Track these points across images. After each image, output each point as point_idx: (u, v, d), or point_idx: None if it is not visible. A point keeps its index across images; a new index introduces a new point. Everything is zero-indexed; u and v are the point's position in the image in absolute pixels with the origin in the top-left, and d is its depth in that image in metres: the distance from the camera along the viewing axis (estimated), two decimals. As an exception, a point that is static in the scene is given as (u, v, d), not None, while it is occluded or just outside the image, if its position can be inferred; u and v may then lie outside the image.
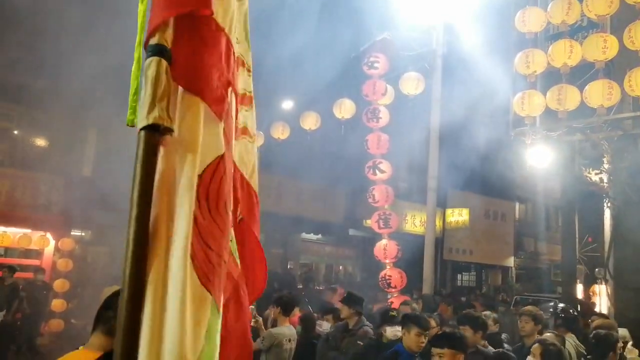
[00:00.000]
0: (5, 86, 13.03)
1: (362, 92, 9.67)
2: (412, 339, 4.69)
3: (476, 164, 13.64)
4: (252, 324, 6.80)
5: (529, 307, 6.74)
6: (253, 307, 7.41)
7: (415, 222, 18.50)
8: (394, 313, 6.02)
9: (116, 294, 2.24)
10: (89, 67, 12.47)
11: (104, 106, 14.26)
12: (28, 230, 12.25)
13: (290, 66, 12.84)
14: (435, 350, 4.09)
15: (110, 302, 2.18)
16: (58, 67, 12.05)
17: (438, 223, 19.77)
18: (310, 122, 11.15)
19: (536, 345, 5.07)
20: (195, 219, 1.38)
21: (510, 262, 23.08)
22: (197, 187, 1.40)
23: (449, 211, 20.12)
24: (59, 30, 10.54)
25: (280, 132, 11.97)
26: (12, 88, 13.22)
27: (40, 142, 14.70)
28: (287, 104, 14.73)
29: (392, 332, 5.79)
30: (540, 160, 10.02)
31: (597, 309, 10.95)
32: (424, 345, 4.69)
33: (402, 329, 4.90)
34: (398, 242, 9.95)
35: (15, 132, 14.03)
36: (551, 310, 7.51)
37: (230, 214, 1.57)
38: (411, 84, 9.48)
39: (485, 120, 11.39)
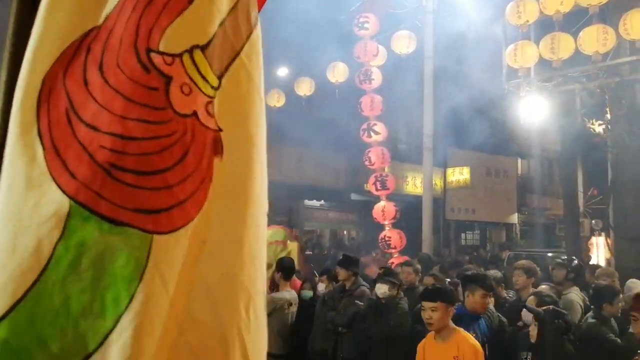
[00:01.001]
0: None
1: (354, 54, 9.57)
2: (477, 301, 4.58)
3: (474, 121, 13.57)
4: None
5: (521, 261, 6.81)
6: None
7: (416, 183, 18.47)
8: (382, 270, 6.08)
9: None
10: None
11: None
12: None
13: (281, 32, 12.71)
14: (426, 305, 4.12)
15: None
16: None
17: (439, 183, 19.77)
18: (305, 88, 11.08)
19: (531, 297, 5.13)
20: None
21: (514, 218, 23.13)
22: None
23: (449, 171, 20.07)
24: None
25: (276, 100, 11.91)
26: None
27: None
28: (281, 71, 14.62)
29: (383, 290, 5.83)
30: (537, 113, 9.93)
31: (593, 262, 11.01)
32: (487, 306, 4.58)
33: (465, 290, 4.80)
34: (398, 203, 9.97)
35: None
36: (554, 263, 7.53)
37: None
38: (403, 43, 9.37)
39: (479, 76, 11.27)
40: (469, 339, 3.85)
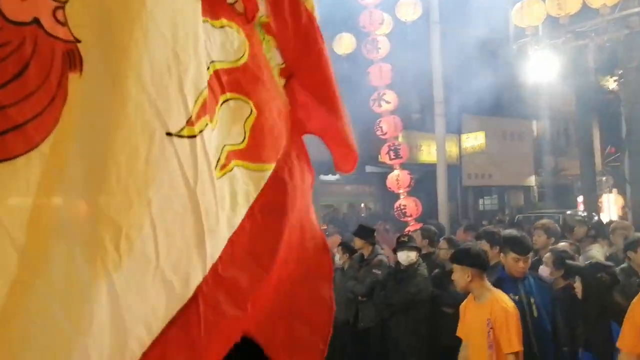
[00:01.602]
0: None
1: (359, 24, 9.49)
2: (511, 265, 4.46)
3: (485, 85, 13.40)
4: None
5: (542, 221, 6.79)
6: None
7: (430, 152, 18.34)
8: (405, 238, 6.11)
9: None
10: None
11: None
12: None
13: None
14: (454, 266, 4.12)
15: None
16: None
17: (454, 150, 19.64)
18: (312, 61, 11.03)
19: (548, 254, 5.13)
20: None
21: (532, 181, 22.95)
22: None
23: (464, 137, 19.92)
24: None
25: (284, 76, 11.89)
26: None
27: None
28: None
29: (404, 256, 5.89)
30: (549, 73, 9.80)
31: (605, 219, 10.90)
32: (524, 270, 4.44)
33: (502, 253, 4.72)
34: (413, 172, 9.95)
35: None
36: (574, 221, 7.50)
37: None
38: (408, 10, 9.26)
39: (488, 38, 11.11)
40: (501, 302, 3.76)
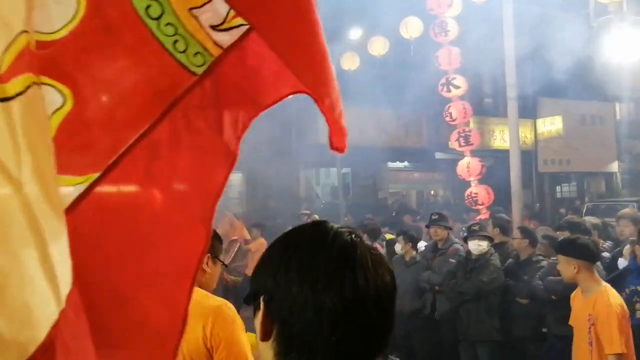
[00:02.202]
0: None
1: (426, 6, 9.24)
2: None
3: (562, 67, 12.77)
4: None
5: (627, 210, 6.41)
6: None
7: (504, 138, 17.75)
8: (476, 227, 5.94)
9: None
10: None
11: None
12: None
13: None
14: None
15: None
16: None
17: (529, 135, 18.94)
18: (379, 47, 10.87)
19: (627, 246, 4.82)
20: None
21: (614, 167, 21.79)
22: None
23: (539, 121, 19.15)
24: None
25: (351, 63, 11.79)
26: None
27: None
28: (353, 33, 14.42)
29: (475, 246, 5.74)
30: (633, 52, 9.21)
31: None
32: None
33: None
34: (486, 159, 9.64)
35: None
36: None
37: None
38: (479, -11, 8.95)
39: (565, 15, 10.56)
40: (608, 298, 3.46)
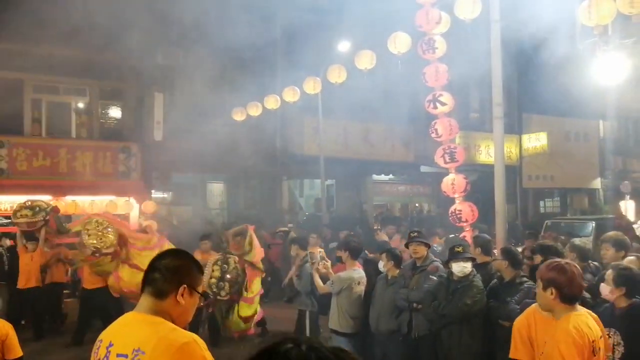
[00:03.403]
0: (77, 63, 13.58)
1: (415, 23, 9.23)
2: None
3: (548, 85, 12.88)
4: (320, 267, 6.90)
5: (610, 233, 6.34)
6: (321, 250, 7.52)
7: (489, 152, 17.87)
8: (460, 249, 5.89)
9: (161, 255, 2.26)
10: (151, 37, 12.77)
11: (168, 70, 14.62)
12: (113, 197, 12.88)
13: (339, 6, 12.50)
14: None
15: (156, 264, 2.20)
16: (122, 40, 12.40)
17: (514, 150, 19.07)
18: (366, 61, 10.81)
19: (609, 270, 4.80)
20: None
21: (597, 183, 22.02)
22: None
23: (525, 137, 19.31)
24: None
25: (337, 76, 11.74)
26: (83, 64, 13.76)
27: (114, 112, 15.30)
28: (342, 46, 14.44)
29: (459, 268, 5.69)
30: (617, 72, 9.28)
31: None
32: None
33: None
34: (471, 174, 9.65)
35: (91, 105, 14.65)
36: None
37: None
38: (467, 8, 8.90)
39: (551, 37, 10.63)
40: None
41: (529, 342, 3.46)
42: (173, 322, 2.12)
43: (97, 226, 8.26)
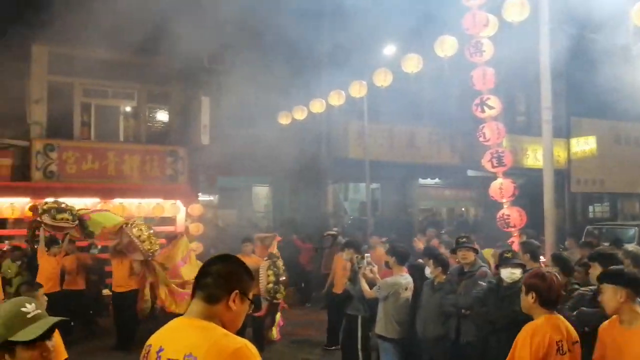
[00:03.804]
0: (126, 66, 13.96)
1: (462, 26, 9.15)
2: None
3: (598, 88, 12.54)
4: (368, 273, 6.90)
5: (629, 246, 6.16)
6: (368, 255, 7.52)
7: (537, 156, 17.51)
8: (509, 254, 5.81)
9: (213, 260, 2.30)
10: (200, 41, 13.03)
11: (215, 74, 14.87)
12: (160, 200, 13.10)
13: (385, 10, 12.47)
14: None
15: (208, 269, 2.21)
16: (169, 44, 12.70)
17: (562, 154, 18.64)
18: (412, 64, 10.78)
19: None
20: None
21: (649, 188, 21.31)
22: None
23: (573, 141, 18.86)
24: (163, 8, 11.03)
25: (383, 79, 11.74)
26: (132, 68, 14.14)
27: (161, 116, 15.63)
28: (387, 50, 14.40)
29: (508, 274, 5.61)
30: (673, 75, 9.00)
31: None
32: None
33: None
34: (518, 178, 9.49)
35: (139, 109, 14.99)
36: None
37: None
38: (515, 10, 8.78)
39: (602, 38, 10.37)
40: None
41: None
42: (224, 327, 2.13)
43: (142, 229, 8.34)
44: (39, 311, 2.10)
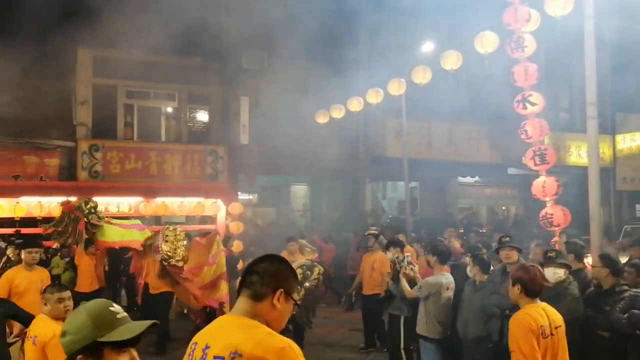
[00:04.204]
0: (167, 68, 14.23)
1: (503, 21, 8.98)
2: None
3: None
4: (408, 272, 6.86)
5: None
6: (408, 254, 7.47)
7: (580, 154, 17.10)
8: (553, 253, 5.69)
9: (260, 259, 2.33)
10: (236, 42, 13.19)
11: (253, 74, 15.02)
12: (201, 199, 13.29)
13: (424, 6, 12.36)
14: None
15: (255, 267, 2.24)
16: (209, 46, 12.89)
17: (607, 151, 18.14)
18: (452, 61, 10.64)
19: None
20: None
21: (701, 186, 20.54)
22: None
23: (619, 137, 18.33)
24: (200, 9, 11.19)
25: (422, 76, 11.63)
26: (173, 69, 14.41)
27: (201, 116, 15.86)
28: (426, 47, 14.27)
29: (551, 273, 5.50)
30: None
31: None
32: None
33: None
34: (560, 176, 9.27)
35: (180, 110, 15.24)
36: None
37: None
38: (558, 4, 8.56)
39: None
40: None
41: None
42: (268, 326, 2.14)
43: (175, 235, 8.22)
44: (125, 314, 1.95)
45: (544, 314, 3.87)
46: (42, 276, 6.74)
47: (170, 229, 8.31)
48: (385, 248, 8.54)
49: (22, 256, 6.94)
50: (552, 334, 3.80)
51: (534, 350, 3.65)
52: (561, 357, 3.88)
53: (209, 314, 9.09)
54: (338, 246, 13.76)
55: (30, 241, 7.34)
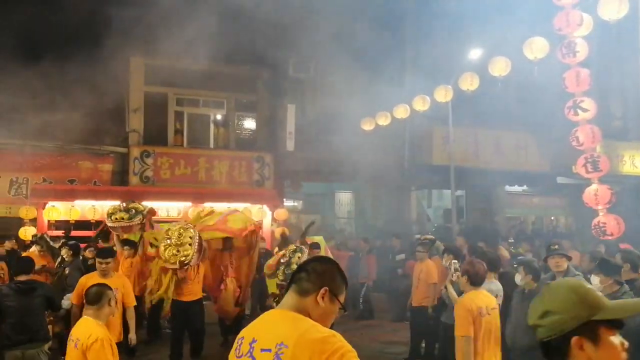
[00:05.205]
0: (216, 76, 14.53)
1: (553, 26, 8.84)
2: None
3: None
4: (454, 278, 6.79)
5: None
6: (456, 261, 7.39)
7: (635, 163, 16.58)
8: (555, 246, 5.63)
9: (311, 259, 2.42)
10: (283, 50, 13.38)
11: (299, 82, 15.18)
12: (248, 204, 13.47)
13: (472, 11, 12.27)
14: None
15: (305, 266, 2.33)
16: (256, 54, 13.11)
17: (663, 160, 17.52)
18: (500, 67, 10.51)
19: None
20: None
21: None
22: None
23: (676, 145, 17.67)
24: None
25: (469, 83, 11.52)
26: (221, 77, 14.70)
27: (249, 123, 16.11)
28: (473, 53, 14.13)
29: (554, 264, 5.44)
30: None
31: None
32: None
33: None
34: (613, 186, 9.02)
35: (228, 117, 15.52)
36: None
37: None
38: (612, 8, 8.38)
39: None
40: None
41: None
42: None
43: (179, 235, 7.77)
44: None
45: (483, 299, 5.02)
46: (117, 284, 6.39)
47: (174, 229, 7.92)
48: (442, 254, 8.52)
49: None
50: (488, 314, 4.93)
51: (469, 325, 4.80)
52: (494, 333, 5.03)
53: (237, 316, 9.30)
54: (381, 254, 13.67)
55: (104, 251, 7.23)
